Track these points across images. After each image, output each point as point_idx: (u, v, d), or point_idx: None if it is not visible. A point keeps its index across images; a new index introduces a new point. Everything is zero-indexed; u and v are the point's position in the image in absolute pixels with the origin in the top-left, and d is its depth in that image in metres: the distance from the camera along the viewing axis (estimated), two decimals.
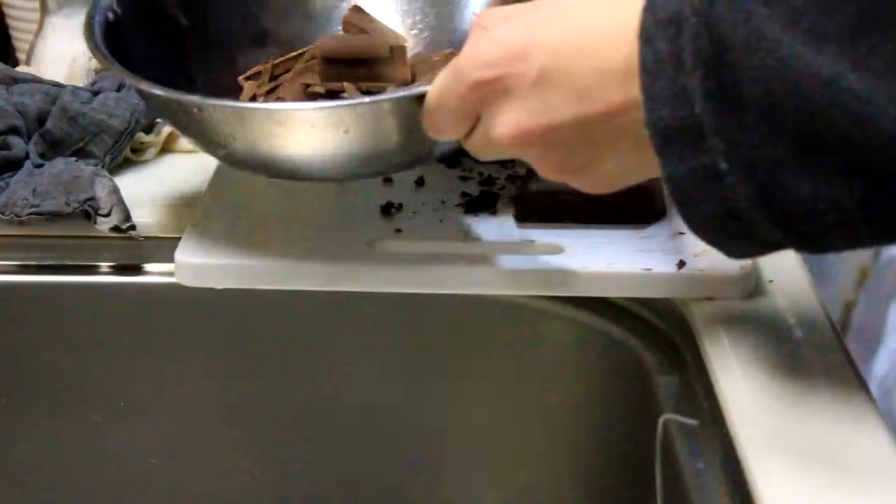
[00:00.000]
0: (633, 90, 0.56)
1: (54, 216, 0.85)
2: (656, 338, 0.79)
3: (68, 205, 0.84)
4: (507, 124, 0.60)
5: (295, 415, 0.90)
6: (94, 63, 0.98)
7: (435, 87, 0.64)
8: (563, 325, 0.83)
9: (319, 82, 0.80)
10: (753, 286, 0.75)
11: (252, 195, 0.83)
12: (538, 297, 0.83)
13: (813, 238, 0.54)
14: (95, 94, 0.93)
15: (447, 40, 0.84)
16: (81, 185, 0.86)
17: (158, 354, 0.88)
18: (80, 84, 0.96)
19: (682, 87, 0.53)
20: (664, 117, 0.54)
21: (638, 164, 0.60)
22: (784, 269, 0.77)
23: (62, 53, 1.01)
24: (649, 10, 0.54)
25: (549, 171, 0.62)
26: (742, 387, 0.66)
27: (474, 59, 0.60)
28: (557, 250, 0.76)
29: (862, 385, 0.66)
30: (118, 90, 0.94)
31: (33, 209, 0.85)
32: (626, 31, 0.55)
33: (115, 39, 0.75)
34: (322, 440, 0.91)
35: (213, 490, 0.92)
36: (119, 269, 0.87)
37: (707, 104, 0.53)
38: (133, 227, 0.85)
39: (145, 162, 0.94)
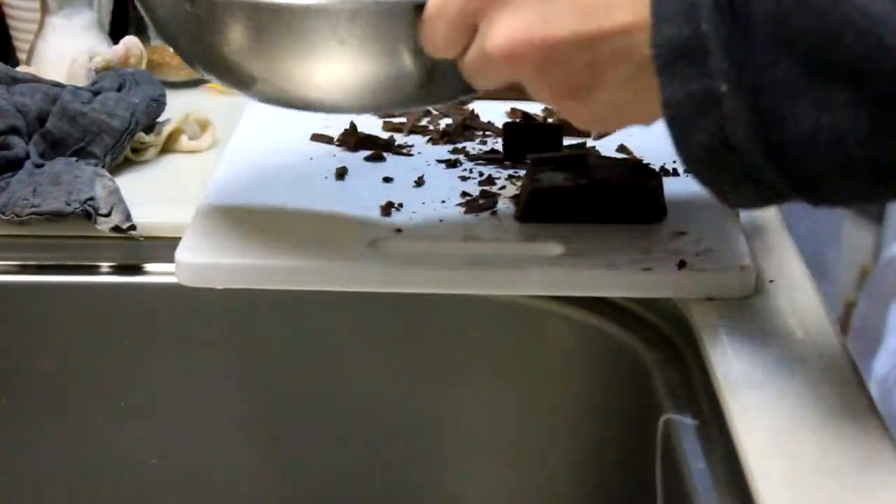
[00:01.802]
0: (641, 10, 0.54)
1: (54, 216, 0.85)
2: (656, 338, 0.78)
3: (68, 205, 0.84)
4: (503, 35, 0.58)
5: (295, 414, 0.90)
6: (95, 63, 0.98)
7: None
8: (563, 324, 0.83)
9: None
10: (753, 286, 0.75)
11: (253, 195, 0.83)
12: (538, 297, 0.83)
13: (809, 180, 0.52)
14: (96, 94, 0.93)
15: None
16: (82, 185, 0.86)
17: (159, 354, 0.88)
18: (80, 84, 0.96)
19: (691, 2, 0.52)
20: (669, 37, 0.52)
21: (636, 97, 0.58)
22: (784, 269, 0.77)
23: (62, 53, 1.01)
24: None
25: (543, 92, 0.60)
26: (742, 387, 0.66)
27: None
28: (557, 250, 0.76)
29: (862, 385, 0.66)
30: (118, 90, 0.94)
31: (33, 209, 0.85)
32: None
33: None
34: (322, 439, 0.91)
35: (214, 490, 0.92)
36: (119, 269, 0.87)
37: (714, 20, 0.51)
38: (133, 227, 0.85)
39: (145, 162, 0.95)
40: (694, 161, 0.55)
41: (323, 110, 0.71)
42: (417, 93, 0.68)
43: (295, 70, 0.67)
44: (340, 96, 0.69)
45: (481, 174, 0.86)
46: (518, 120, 0.93)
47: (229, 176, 0.86)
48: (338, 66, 0.66)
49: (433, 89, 0.68)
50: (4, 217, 0.85)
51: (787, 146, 0.51)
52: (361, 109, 0.73)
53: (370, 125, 0.94)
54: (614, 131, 0.86)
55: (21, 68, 1.00)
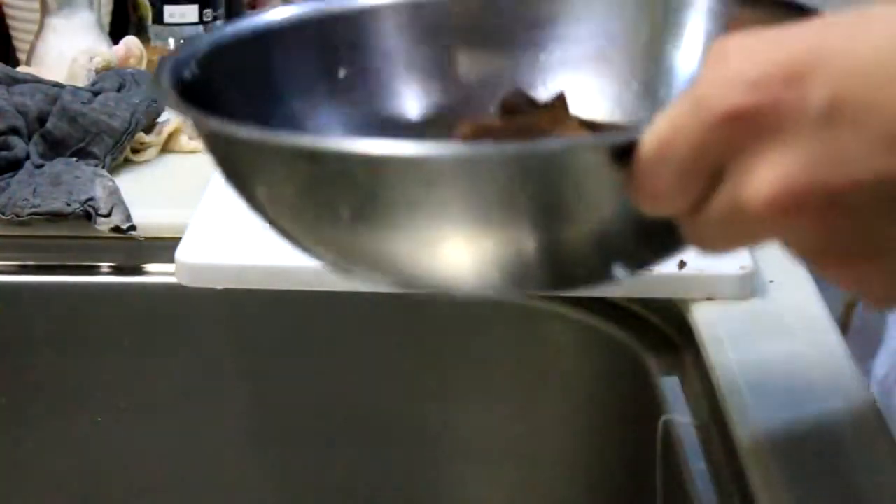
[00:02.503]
0: None
1: (54, 216, 0.84)
2: (657, 338, 0.78)
3: (68, 205, 0.84)
4: (773, 179, 0.40)
5: (295, 414, 0.90)
6: (95, 63, 0.98)
7: (657, 128, 0.42)
8: (564, 325, 0.83)
9: None
10: (753, 286, 0.74)
11: None
12: (538, 298, 0.83)
13: None
14: (96, 94, 0.93)
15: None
16: (82, 186, 0.86)
17: (159, 355, 0.88)
18: (80, 84, 0.96)
19: None
20: None
21: None
22: (784, 269, 0.77)
23: (62, 54, 1.01)
24: None
25: (826, 256, 0.42)
26: (742, 387, 0.66)
27: (727, 80, 0.40)
28: None
29: (862, 385, 0.66)
30: (118, 90, 0.94)
31: (33, 209, 0.85)
32: None
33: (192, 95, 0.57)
34: (322, 440, 0.90)
35: (214, 490, 0.92)
36: (119, 270, 0.87)
37: None
38: (133, 228, 0.85)
39: (146, 162, 0.94)
40: None
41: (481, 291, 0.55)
42: (599, 270, 0.50)
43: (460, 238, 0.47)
44: (475, 278, 0.49)
45: None
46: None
47: None
48: (508, 235, 0.46)
49: (619, 264, 0.48)
50: (4, 217, 0.85)
51: None
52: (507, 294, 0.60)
53: None
54: None
55: (21, 68, 1.00)
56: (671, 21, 0.57)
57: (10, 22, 1.12)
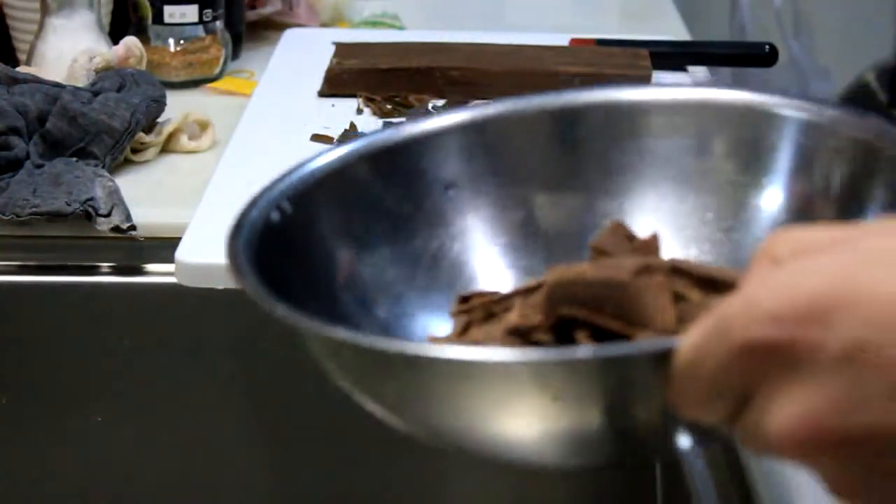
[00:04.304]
0: None
1: (54, 216, 0.85)
2: None
3: (68, 205, 0.84)
4: (787, 416, 0.40)
5: (295, 415, 0.90)
6: (95, 63, 0.98)
7: (689, 342, 0.42)
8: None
9: (542, 323, 0.53)
10: None
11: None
12: None
13: None
14: (96, 94, 0.93)
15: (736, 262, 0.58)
16: (82, 186, 0.86)
17: (158, 355, 0.88)
18: (80, 84, 0.96)
19: None
20: None
21: None
22: None
23: (62, 54, 1.01)
24: None
25: (846, 488, 0.42)
26: None
27: (750, 309, 0.41)
28: None
29: None
30: (118, 90, 0.94)
31: (33, 209, 0.85)
32: None
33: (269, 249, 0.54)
34: (322, 440, 0.90)
35: (214, 490, 0.92)
36: (119, 270, 0.87)
37: None
38: (133, 228, 0.85)
39: (145, 162, 0.95)
40: None
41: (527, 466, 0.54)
42: (646, 453, 0.53)
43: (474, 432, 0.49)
44: (551, 453, 0.50)
45: None
46: None
47: (229, 176, 0.86)
48: (551, 424, 0.47)
49: (669, 449, 0.49)
50: (4, 217, 0.85)
51: None
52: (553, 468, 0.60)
53: (370, 125, 0.94)
54: None
55: (21, 69, 1.00)
56: (755, 162, 0.57)
57: (10, 22, 1.12)
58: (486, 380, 0.45)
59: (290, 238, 0.55)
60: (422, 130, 0.58)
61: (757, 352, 0.40)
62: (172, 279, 0.78)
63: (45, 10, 1.03)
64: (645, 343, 0.46)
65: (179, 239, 0.79)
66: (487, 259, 0.59)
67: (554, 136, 0.59)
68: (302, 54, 1.11)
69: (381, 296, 0.57)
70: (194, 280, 0.77)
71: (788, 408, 0.40)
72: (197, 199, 0.84)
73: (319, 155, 0.57)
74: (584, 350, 0.45)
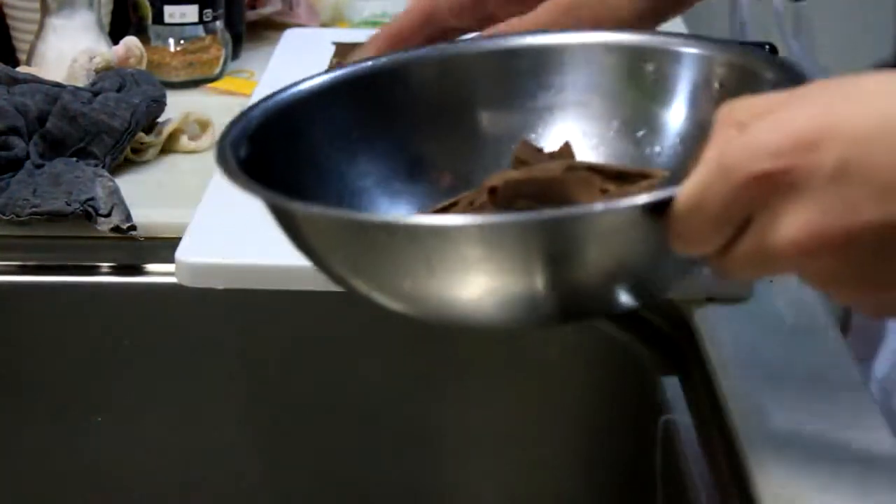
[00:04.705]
0: None
1: (54, 216, 0.85)
2: (657, 338, 0.78)
3: (68, 205, 0.84)
4: (795, 227, 0.49)
5: (295, 415, 0.90)
6: (95, 63, 0.98)
7: (690, 188, 0.51)
8: (564, 325, 0.83)
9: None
10: (753, 286, 0.74)
11: None
12: None
13: None
14: (96, 94, 0.93)
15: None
16: (82, 186, 0.86)
17: (159, 355, 0.88)
18: (80, 84, 0.96)
19: None
20: None
21: None
22: None
23: (62, 54, 1.01)
24: None
25: (842, 288, 0.51)
26: (742, 387, 0.66)
27: (752, 150, 0.50)
28: None
29: (862, 385, 0.66)
30: (118, 90, 0.94)
31: (33, 209, 0.85)
32: None
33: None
34: (322, 439, 0.90)
35: (214, 490, 0.92)
36: (119, 270, 0.87)
37: None
38: (133, 228, 0.85)
39: (146, 162, 0.95)
40: None
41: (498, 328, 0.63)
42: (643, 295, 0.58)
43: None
44: (521, 316, 0.57)
45: None
46: None
47: None
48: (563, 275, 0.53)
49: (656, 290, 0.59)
50: (4, 217, 0.85)
51: None
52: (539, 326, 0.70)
53: None
54: None
55: (21, 68, 1.00)
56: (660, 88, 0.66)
57: (10, 22, 1.12)
58: (471, 241, 0.52)
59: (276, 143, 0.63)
60: (393, 62, 0.68)
61: (760, 182, 0.49)
62: (172, 279, 0.78)
63: (45, 10, 1.03)
64: (648, 195, 0.52)
65: (179, 239, 0.79)
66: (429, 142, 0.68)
67: (495, 70, 0.68)
68: (302, 54, 1.11)
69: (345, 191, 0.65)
70: (194, 280, 0.77)
71: (793, 222, 0.49)
72: (197, 199, 0.84)
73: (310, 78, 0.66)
74: (598, 205, 0.52)
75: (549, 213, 0.52)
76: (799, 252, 0.49)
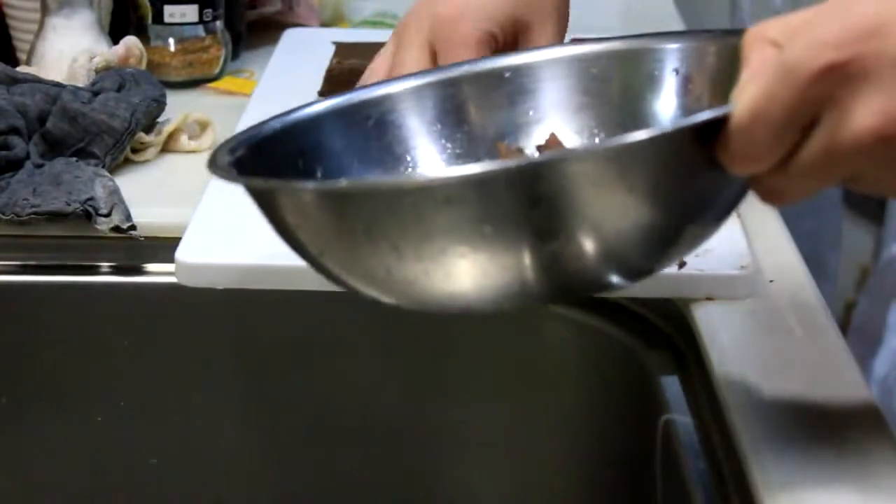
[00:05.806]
0: None
1: (54, 216, 0.85)
2: (657, 338, 0.78)
3: (68, 205, 0.84)
4: (872, 113, 0.48)
5: (295, 415, 0.90)
6: (95, 63, 0.98)
7: (750, 98, 0.50)
8: (564, 325, 0.83)
9: None
10: (753, 286, 0.74)
11: None
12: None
13: None
14: (96, 94, 0.93)
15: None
16: (82, 186, 0.86)
17: (158, 354, 0.88)
18: (80, 84, 0.96)
19: None
20: None
21: None
22: (784, 269, 0.77)
23: (63, 53, 1.01)
24: None
25: None
26: (742, 387, 0.66)
27: (814, 45, 0.48)
28: None
29: (862, 385, 0.66)
30: (118, 90, 0.94)
31: (33, 209, 0.85)
32: None
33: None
34: (322, 440, 0.91)
35: (214, 490, 0.92)
36: (119, 269, 0.87)
37: None
38: (133, 227, 0.85)
39: (146, 162, 0.95)
40: None
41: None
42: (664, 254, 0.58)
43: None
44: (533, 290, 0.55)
45: None
46: None
47: None
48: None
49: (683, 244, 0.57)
50: (4, 217, 0.85)
51: None
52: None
53: None
54: None
55: (21, 68, 1.00)
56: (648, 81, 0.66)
57: (10, 22, 1.12)
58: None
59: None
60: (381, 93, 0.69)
61: (827, 76, 0.48)
62: (172, 279, 0.78)
63: (45, 10, 1.03)
64: (698, 116, 0.50)
65: (179, 239, 0.79)
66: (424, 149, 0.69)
67: (491, 88, 0.69)
68: (302, 54, 1.11)
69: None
70: (194, 280, 0.77)
71: (868, 110, 0.48)
72: (197, 199, 0.84)
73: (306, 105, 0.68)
74: (640, 133, 0.49)
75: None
76: (877, 139, 0.48)
